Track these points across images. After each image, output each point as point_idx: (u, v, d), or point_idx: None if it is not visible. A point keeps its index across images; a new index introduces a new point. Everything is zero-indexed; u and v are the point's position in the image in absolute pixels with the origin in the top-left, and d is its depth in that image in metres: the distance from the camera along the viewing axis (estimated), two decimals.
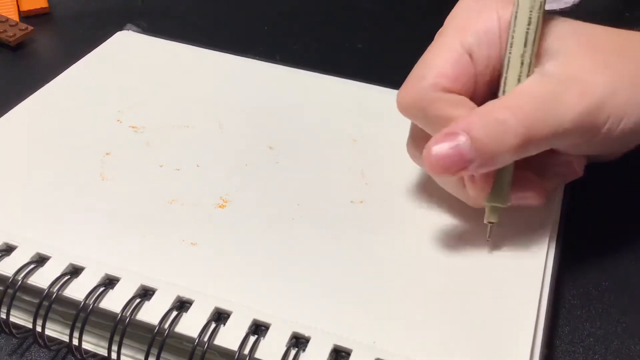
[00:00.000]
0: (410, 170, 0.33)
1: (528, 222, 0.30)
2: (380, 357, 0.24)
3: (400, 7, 0.51)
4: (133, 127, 0.35)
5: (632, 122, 0.26)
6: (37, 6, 0.48)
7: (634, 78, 0.26)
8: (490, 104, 0.26)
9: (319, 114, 0.37)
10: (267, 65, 0.40)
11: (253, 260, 0.28)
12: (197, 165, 0.33)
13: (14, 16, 0.47)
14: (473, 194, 0.27)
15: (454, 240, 0.29)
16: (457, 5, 0.29)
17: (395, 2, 0.51)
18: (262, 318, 0.25)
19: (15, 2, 0.48)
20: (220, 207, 0.31)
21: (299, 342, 0.25)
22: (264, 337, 0.25)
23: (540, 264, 0.28)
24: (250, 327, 0.25)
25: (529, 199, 0.28)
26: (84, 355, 0.26)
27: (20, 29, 0.45)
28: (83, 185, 0.31)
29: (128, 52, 0.41)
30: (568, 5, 0.50)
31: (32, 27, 0.45)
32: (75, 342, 0.26)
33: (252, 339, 0.25)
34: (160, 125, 0.35)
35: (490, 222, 0.28)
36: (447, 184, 0.29)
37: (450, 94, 0.27)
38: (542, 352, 0.25)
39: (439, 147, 0.25)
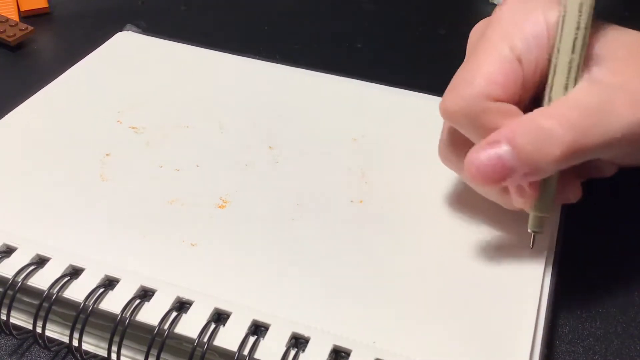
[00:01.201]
0: (410, 169, 0.33)
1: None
2: (380, 357, 0.24)
3: (400, 7, 0.51)
4: (133, 128, 0.35)
5: None
6: (37, 6, 0.48)
7: None
8: (536, 112, 0.25)
9: (319, 113, 0.37)
10: (267, 65, 0.40)
11: (253, 260, 0.28)
12: (197, 166, 0.33)
13: (14, 16, 0.47)
14: (519, 204, 0.27)
15: (455, 241, 0.29)
16: (499, 9, 0.28)
17: (395, 2, 0.51)
18: (262, 318, 0.25)
19: (15, 2, 0.49)
20: (220, 207, 0.31)
21: (298, 342, 0.25)
22: (263, 337, 0.25)
23: (540, 265, 0.28)
24: (250, 327, 0.25)
25: (569, 197, 0.28)
26: (84, 356, 0.27)
27: (20, 29, 0.45)
28: (83, 186, 0.32)
29: (128, 52, 0.41)
30: None
31: (32, 27, 0.45)
32: (75, 342, 0.26)
33: (252, 339, 0.25)
34: (160, 125, 0.36)
35: (534, 231, 0.27)
36: (488, 190, 0.29)
37: (501, 103, 0.26)
38: (542, 352, 0.26)
39: (481, 156, 0.25)
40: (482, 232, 0.30)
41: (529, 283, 0.28)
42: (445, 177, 0.32)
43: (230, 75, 0.40)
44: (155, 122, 0.36)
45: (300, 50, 0.46)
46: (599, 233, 0.33)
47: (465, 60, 0.28)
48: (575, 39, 0.25)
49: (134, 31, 0.43)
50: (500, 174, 0.25)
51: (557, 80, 0.26)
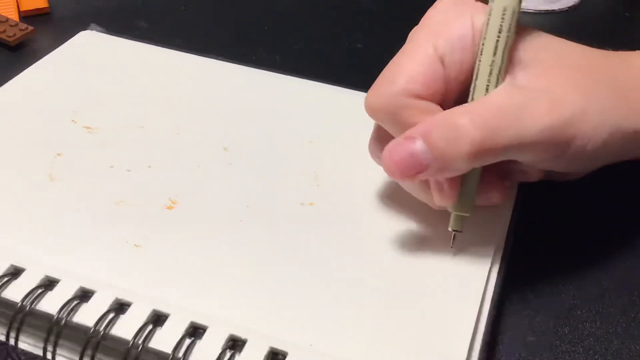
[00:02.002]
0: (364, 171, 0.33)
1: (478, 224, 0.30)
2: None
3: (400, 7, 0.51)
4: (87, 128, 0.35)
5: (598, 144, 0.26)
6: (37, 6, 0.48)
7: (604, 100, 0.26)
8: (452, 110, 0.26)
9: (278, 115, 0.37)
10: (229, 66, 0.40)
11: (195, 262, 0.28)
12: (149, 166, 0.33)
13: (14, 16, 0.47)
14: (438, 201, 0.27)
15: (400, 243, 0.29)
16: (432, 8, 0.29)
17: (395, 2, 0.52)
18: (200, 320, 0.25)
19: (15, 2, 0.48)
20: (168, 208, 0.31)
21: (236, 344, 0.25)
22: (200, 339, 0.25)
23: (484, 267, 0.28)
24: (188, 329, 0.25)
25: (492, 199, 0.29)
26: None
27: (20, 29, 0.45)
28: (30, 186, 0.31)
29: (89, 52, 0.41)
30: (567, 6, 0.49)
31: (32, 27, 0.45)
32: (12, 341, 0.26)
33: (188, 341, 0.25)
34: (115, 125, 0.35)
35: (455, 231, 0.28)
36: (411, 186, 0.29)
37: (421, 101, 0.27)
38: (481, 355, 0.26)
39: (397, 151, 0.26)
40: (429, 238, 0.30)
41: (472, 287, 0.28)
42: (395, 184, 0.32)
43: (192, 76, 0.39)
44: (110, 122, 0.36)
45: (300, 50, 0.46)
46: (596, 230, 0.33)
47: (396, 55, 0.29)
48: (497, 42, 0.26)
49: (97, 31, 0.43)
50: (414, 168, 0.26)
51: (479, 81, 0.26)
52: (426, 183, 0.28)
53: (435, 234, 0.30)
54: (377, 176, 0.33)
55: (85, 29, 0.43)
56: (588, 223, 0.34)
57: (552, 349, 0.28)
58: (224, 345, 0.25)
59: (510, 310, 0.29)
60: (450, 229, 0.28)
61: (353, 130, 0.35)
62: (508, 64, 0.26)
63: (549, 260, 0.32)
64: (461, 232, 0.28)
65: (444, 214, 0.29)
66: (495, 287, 0.28)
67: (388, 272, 0.28)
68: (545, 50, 0.27)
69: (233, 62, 0.40)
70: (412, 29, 0.29)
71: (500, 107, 0.25)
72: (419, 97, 0.27)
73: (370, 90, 0.28)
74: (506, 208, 0.31)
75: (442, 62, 0.27)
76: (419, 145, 0.25)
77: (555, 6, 0.49)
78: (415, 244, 0.30)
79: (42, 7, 0.48)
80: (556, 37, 0.28)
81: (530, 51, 0.27)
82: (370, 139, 0.30)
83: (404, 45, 0.28)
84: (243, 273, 0.28)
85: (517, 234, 0.31)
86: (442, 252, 0.29)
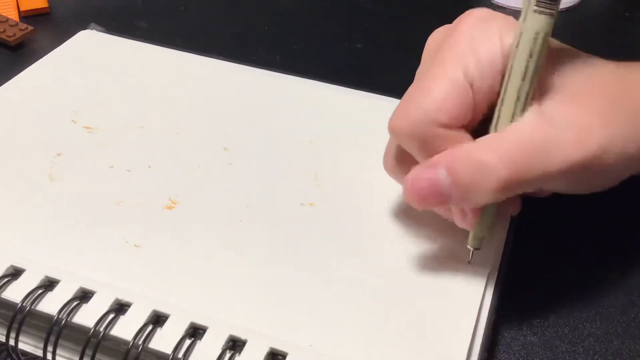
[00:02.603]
0: (364, 172, 0.33)
1: None
2: None
3: (400, 7, 0.51)
4: (87, 128, 0.35)
5: (621, 171, 0.26)
6: (37, 6, 0.48)
7: (627, 129, 0.26)
8: (478, 143, 0.25)
9: (278, 115, 0.37)
10: (230, 66, 0.40)
11: (195, 262, 0.28)
12: (149, 166, 0.33)
13: (14, 16, 0.47)
14: (459, 225, 0.27)
15: (400, 244, 0.29)
16: (457, 27, 0.27)
17: (395, 2, 0.51)
18: (200, 321, 0.25)
19: (15, 2, 0.48)
20: (168, 208, 0.31)
21: (235, 345, 0.25)
22: (201, 340, 0.25)
23: (484, 268, 0.28)
24: (188, 330, 0.25)
25: (508, 212, 0.29)
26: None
27: (20, 29, 0.45)
28: (30, 186, 0.31)
29: (89, 51, 0.41)
30: (567, 6, 0.49)
31: (32, 27, 0.45)
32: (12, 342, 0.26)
33: (188, 342, 0.25)
34: (116, 125, 0.35)
35: (474, 249, 0.28)
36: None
37: (449, 131, 0.26)
38: (481, 356, 0.26)
39: (419, 180, 0.25)
40: (429, 238, 0.29)
41: (471, 286, 0.28)
42: (396, 184, 0.32)
43: (192, 76, 0.39)
44: (110, 122, 0.35)
45: (300, 50, 0.46)
46: (593, 231, 0.33)
47: (419, 76, 0.28)
48: (527, 67, 0.24)
49: (97, 30, 0.43)
50: (436, 199, 0.25)
51: (505, 108, 0.25)
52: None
53: (436, 234, 0.30)
54: (377, 177, 0.32)
55: (85, 29, 0.43)
56: (588, 223, 0.33)
57: (552, 349, 0.28)
58: (224, 345, 0.25)
59: (510, 310, 0.29)
60: (469, 247, 0.28)
61: (353, 130, 0.36)
62: (536, 89, 0.25)
63: (549, 260, 0.32)
64: (479, 249, 0.28)
65: (447, 222, 0.29)
66: (495, 287, 0.28)
67: (388, 273, 0.28)
68: (577, 77, 0.26)
69: (233, 62, 0.40)
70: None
71: (528, 142, 0.25)
72: (449, 126, 0.26)
73: (396, 113, 0.27)
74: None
75: (472, 87, 0.26)
76: (442, 176, 0.25)
77: None
78: (415, 244, 0.29)
79: (42, 7, 0.48)
80: (583, 55, 0.27)
81: (560, 77, 0.26)
82: (387, 154, 0.30)
83: (429, 68, 0.27)
84: (243, 273, 0.28)
85: (517, 233, 0.31)
86: (442, 252, 0.29)
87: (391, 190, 0.32)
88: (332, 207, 0.31)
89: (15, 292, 0.26)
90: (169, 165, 0.33)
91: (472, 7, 0.28)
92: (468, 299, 0.27)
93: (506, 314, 0.29)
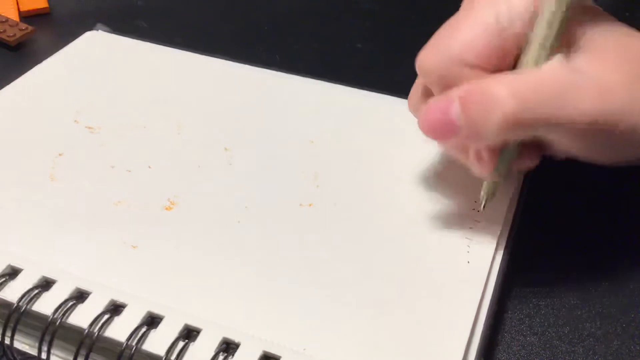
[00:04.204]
0: (364, 172, 0.32)
1: (479, 224, 0.29)
2: None
3: (400, 7, 0.50)
4: (89, 128, 0.34)
5: (633, 148, 0.25)
6: (37, 6, 0.47)
7: None
8: (494, 77, 0.25)
9: (279, 115, 0.35)
10: (233, 66, 0.39)
11: (191, 263, 0.27)
12: (149, 167, 0.32)
13: (14, 16, 0.46)
14: (475, 169, 0.26)
15: (399, 247, 0.28)
16: None
17: (395, 2, 0.50)
18: (194, 323, 0.24)
19: (15, 2, 0.47)
20: (167, 209, 0.29)
21: (229, 347, 0.24)
22: (194, 342, 0.24)
23: (484, 269, 0.27)
24: (182, 331, 0.24)
25: (525, 164, 0.27)
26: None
27: (20, 29, 0.43)
28: (31, 186, 0.30)
29: (95, 52, 0.40)
30: None
31: (32, 27, 0.44)
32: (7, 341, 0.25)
33: (182, 344, 0.23)
34: (117, 125, 0.34)
35: (487, 196, 0.27)
36: (451, 148, 0.28)
37: (474, 70, 0.25)
38: (478, 356, 0.24)
39: (432, 111, 0.25)
40: (427, 241, 0.28)
41: (470, 287, 0.26)
42: (396, 184, 0.31)
43: (195, 75, 0.38)
44: (112, 122, 0.34)
45: (300, 50, 0.44)
46: (595, 230, 0.32)
47: (453, 16, 0.27)
48: (554, 16, 0.24)
49: (104, 31, 0.42)
50: (446, 131, 0.25)
51: (530, 54, 0.25)
52: (466, 147, 0.27)
53: (435, 237, 0.29)
54: (376, 177, 0.31)
55: (86, 29, 0.42)
56: (588, 223, 0.33)
57: (552, 349, 0.27)
58: (217, 348, 0.23)
59: (510, 310, 0.28)
60: (482, 193, 0.27)
61: (354, 130, 0.34)
62: (564, 41, 0.25)
63: (549, 261, 0.31)
64: (492, 198, 0.27)
65: (442, 217, 0.28)
66: (494, 288, 0.27)
67: (385, 275, 0.27)
68: (607, 37, 0.25)
69: (240, 62, 0.39)
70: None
71: (543, 82, 0.24)
72: (475, 65, 0.25)
73: (425, 49, 0.27)
74: (508, 209, 0.30)
75: (502, 33, 0.25)
76: (454, 109, 0.24)
77: None
78: (413, 246, 0.28)
79: (42, 7, 0.47)
80: (622, 25, 0.26)
81: (591, 34, 0.25)
82: (413, 92, 0.29)
83: (464, 9, 0.26)
84: (239, 275, 0.27)
85: (518, 234, 0.30)
86: (442, 253, 0.28)
87: (391, 191, 0.31)
88: (331, 208, 0.30)
89: (12, 292, 0.25)
90: (169, 166, 0.32)
91: None
92: (466, 301, 0.26)
93: (506, 314, 0.28)
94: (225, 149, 0.33)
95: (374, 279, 0.27)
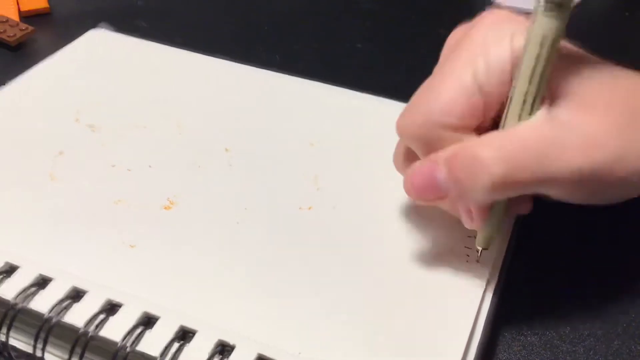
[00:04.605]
0: (364, 175, 0.31)
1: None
2: None
3: (400, 7, 0.49)
4: (90, 127, 0.34)
5: (634, 188, 0.24)
6: (37, 6, 0.46)
7: None
8: (479, 139, 0.24)
9: (280, 117, 0.35)
10: (235, 66, 0.38)
11: (188, 263, 0.27)
12: (150, 166, 0.31)
13: (14, 16, 0.45)
14: (466, 225, 0.26)
15: (397, 251, 0.28)
16: (473, 27, 0.26)
17: (395, 2, 0.50)
18: (189, 324, 0.24)
19: (15, 2, 0.47)
20: (165, 208, 0.29)
21: (224, 349, 0.23)
22: (189, 343, 0.23)
23: (484, 269, 0.27)
24: (177, 333, 0.24)
25: (519, 210, 0.27)
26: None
27: (20, 29, 0.43)
28: (30, 185, 0.30)
29: (97, 50, 0.40)
30: None
31: (32, 27, 0.44)
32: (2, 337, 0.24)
33: (177, 345, 0.23)
34: (118, 125, 0.34)
35: (483, 248, 0.26)
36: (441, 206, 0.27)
37: (455, 133, 0.25)
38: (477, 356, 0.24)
39: (418, 175, 0.25)
40: (427, 245, 0.28)
41: (469, 288, 0.26)
42: (396, 188, 0.30)
43: (196, 75, 0.38)
44: (113, 121, 0.34)
45: (300, 50, 0.44)
46: (592, 232, 0.32)
47: (431, 76, 0.26)
48: (534, 70, 0.23)
49: (107, 29, 0.41)
50: (433, 194, 0.25)
51: (512, 110, 0.24)
52: (455, 203, 0.26)
53: (434, 240, 0.28)
54: (376, 180, 0.31)
55: (86, 29, 0.41)
56: (589, 223, 0.32)
57: (552, 349, 0.27)
58: (212, 350, 0.23)
59: (510, 310, 0.28)
60: (477, 247, 0.26)
61: (355, 132, 0.34)
62: (547, 93, 0.24)
63: (550, 260, 0.30)
64: (487, 249, 0.26)
65: (440, 218, 0.28)
66: (495, 288, 0.26)
67: (383, 279, 0.26)
68: (591, 83, 0.24)
69: (240, 62, 0.39)
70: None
71: (528, 141, 0.23)
72: (457, 128, 0.25)
73: (403, 114, 0.26)
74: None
75: (481, 90, 0.25)
76: (440, 173, 0.24)
77: None
78: (412, 249, 0.28)
79: (42, 7, 0.46)
80: (608, 65, 0.25)
81: (574, 82, 0.24)
82: (397, 153, 0.29)
83: (441, 68, 0.26)
84: (236, 277, 0.26)
85: (519, 234, 0.29)
86: (442, 254, 0.27)
87: (390, 194, 0.30)
88: (330, 211, 0.29)
89: (8, 290, 0.25)
90: (169, 165, 0.31)
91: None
92: (466, 302, 0.25)
93: (506, 313, 0.28)
94: (226, 149, 0.32)
95: (371, 282, 0.26)
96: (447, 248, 0.28)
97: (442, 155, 0.24)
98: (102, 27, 0.42)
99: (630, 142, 0.23)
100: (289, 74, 0.38)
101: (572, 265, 0.30)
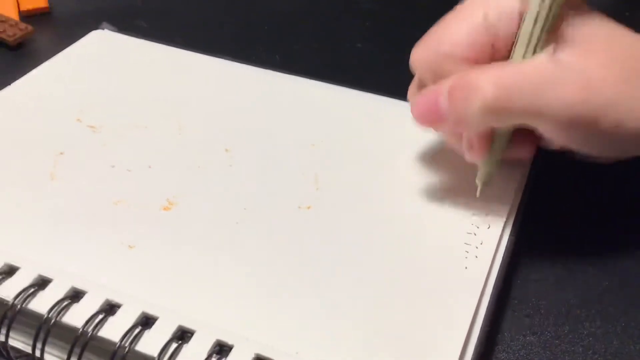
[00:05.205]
0: (365, 176, 0.31)
1: (480, 226, 0.28)
2: None
3: (400, 7, 0.49)
4: (91, 127, 0.33)
5: (630, 134, 0.24)
6: (37, 6, 0.46)
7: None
8: (479, 67, 0.25)
9: (282, 117, 0.34)
10: (235, 66, 0.38)
11: (187, 263, 0.26)
12: (150, 167, 0.31)
13: (14, 16, 0.45)
14: (467, 157, 0.27)
15: (395, 250, 0.27)
16: None
17: (395, 2, 0.49)
18: (188, 324, 0.23)
19: (15, 2, 0.46)
20: (165, 209, 0.28)
21: (222, 349, 0.23)
22: (187, 343, 0.23)
23: (484, 269, 0.26)
24: (175, 333, 0.23)
25: (518, 153, 0.28)
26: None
27: (20, 29, 0.43)
28: (30, 185, 0.29)
29: (99, 51, 0.39)
30: None
31: (32, 27, 0.43)
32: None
33: (175, 345, 0.23)
34: (119, 125, 0.33)
35: (482, 183, 0.28)
36: (446, 135, 0.29)
37: (464, 65, 0.26)
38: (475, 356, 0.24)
39: (422, 100, 0.26)
40: (425, 246, 0.27)
41: (469, 287, 0.25)
42: (395, 187, 0.30)
43: (198, 76, 0.37)
44: (114, 121, 0.33)
45: (300, 50, 0.44)
46: (594, 230, 0.31)
47: (447, 14, 0.28)
48: (539, 12, 0.24)
49: (109, 30, 0.41)
50: (434, 118, 0.26)
51: (517, 50, 0.25)
52: (459, 134, 0.27)
53: (433, 237, 0.28)
54: (376, 180, 0.30)
55: (86, 29, 0.41)
56: (588, 223, 0.32)
57: (551, 349, 0.26)
58: (210, 350, 0.23)
59: (510, 310, 0.28)
60: (477, 181, 0.28)
61: (355, 133, 0.33)
62: (553, 37, 0.25)
63: (549, 261, 0.30)
64: (487, 185, 0.28)
65: (439, 218, 0.27)
66: (494, 287, 0.26)
67: (380, 280, 0.26)
68: (597, 33, 0.25)
69: (240, 62, 0.38)
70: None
71: (526, 73, 0.24)
72: (464, 60, 0.26)
73: (417, 46, 0.28)
74: (510, 210, 0.29)
75: (490, 30, 0.26)
76: (442, 98, 0.25)
77: None
78: (410, 250, 0.27)
79: (42, 6, 0.46)
80: (615, 23, 0.26)
81: (581, 30, 0.25)
82: (411, 84, 0.30)
83: (457, 7, 0.27)
84: (234, 277, 0.26)
85: (517, 235, 0.29)
86: (441, 255, 0.27)
87: (390, 193, 0.30)
88: (329, 211, 0.29)
89: (8, 290, 0.24)
90: (169, 166, 0.31)
91: None
92: (464, 302, 0.25)
93: (506, 314, 0.27)
94: (226, 150, 0.32)
95: (369, 282, 0.26)
96: (446, 247, 0.27)
97: (445, 82, 0.25)
98: (104, 28, 0.41)
99: (626, 94, 0.24)
100: (289, 74, 0.37)
101: (571, 264, 0.29)
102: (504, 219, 0.28)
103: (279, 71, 0.37)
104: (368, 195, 0.30)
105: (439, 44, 0.27)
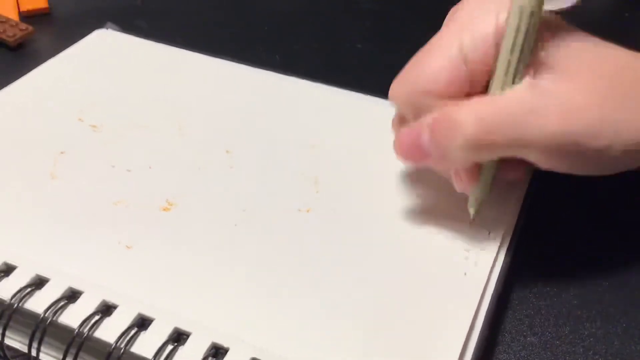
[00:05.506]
0: (364, 179, 0.30)
1: (480, 225, 0.27)
2: None
3: (400, 7, 0.48)
4: (93, 126, 0.33)
5: (616, 156, 0.24)
6: (37, 6, 0.46)
7: (631, 115, 0.24)
8: (459, 103, 0.25)
9: (282, 119, 0.34)
10: (235, 66, 0.37)
11: (184, 265, 0.26)
12: (150, 167, 0.30)
13: (14, 16, 0.45)
14: (456, 188, 0.27)
15: (395, 253, 0.27)
16: (459, 4, 0.27)
17: (395, 2, 0.49)
18: (184, 326, 0.23)
19: (15, 2, 0.46)
20: (164, 210, 0.28)
21: (218, 352, 0.23)
22: (183, 345, 0.22)
23: (485, 270, 0.26)
24: (171, 335, 0.23)
25: (508, 175, 0.27)
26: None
27: (20, 29, 0.42)
28: (30, 184, 0.29)
29: (102, 50, 0.39)
30: (568, 5, 0.46)
31: (32, 27, 0.43)
32: None
33: (170, 347, 0.22)
34: (121, 125, 0.33)
35: (473, 211, 0.27)
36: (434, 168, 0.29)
37: (442, 100, 0.25)
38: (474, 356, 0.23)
39: (405, 137, 0.26)
40: (424, 249, 0.27)
41: (469, 289, 0.25)
42: (395, 190, 0.30)
43: (200, 76, 0.37)
44: (115, 121, 0.33)
45: (300, 50, 0.43)
46: (594, 231, 0.31)
47: (421, 48, 0.27)
48: (515, 40, 0.24)
49: (113, 29, 0.40)
50: (418, 155, 0.26)
51: (496, 79, 0.24)
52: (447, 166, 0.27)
53: (433, 240, 0.27)
54: (375, 182, 0.30)
55: (86, 29, 0.40)
56: (588, 224, 0.32)
57: (552, 349, 0.26)
58: (206, 352, 0.22)
59: (511, 310, 0.27)
60: (469, 208, 0.27)
61: (355, 135, 0.33)
62: (531, 62, 0.24)
63: (549, 261, 0.30)
64: (477, 213, 0.27)
65: (439, 221, 0.27)
66: (494, 288, 0.26)
67: (380, 283, 0.25)
68: (579, 54, 0.24)
69: (240, 62, 0.38)
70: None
71: (504, 106, 0.24)
72: (441, 95, 0.26)
73: (395, 82, 0.27)
74: (511, 212, 0.29)
75: (466, 61, 0.25)
76: (424, 136, 0.25)
77: (555, 6, 0.45)
78: (410, 253, 0.27)
79: (42, 7, 0.46)
80: (596, 40, 0.25)
81: (561, 53, 0.24)
82: (393, 119, 0.30)
83: (430, 41, 0.27)
84: (231, 279, 0.25)
85: (518, 236, 0.29)
86: (441, 257, 0.27)
87: (389, 196, 0.29)
88: (329, 213, 0.28)
89: (5, 289, 0.24)
90: (169, 166, 0.31)
91: None
92: (465, 304, 0.25)
93: (506, 314, 0.27)
94: (227, 151, 0.31)
95: (369, 284, 0.25)
96: (445, 250, 0.27)
97: (427, 119, 0.25)
98: (108, 27, 0.41)
99: (611, 114, 0.23)
100: (289, 74, 0.37)
101: (572, 265, 0.29)
102: (505, 221, 0.28)
103: (279, 71, 0.37)
104: (368, 197, 0.29)
105: (416, 81, 0.26)
